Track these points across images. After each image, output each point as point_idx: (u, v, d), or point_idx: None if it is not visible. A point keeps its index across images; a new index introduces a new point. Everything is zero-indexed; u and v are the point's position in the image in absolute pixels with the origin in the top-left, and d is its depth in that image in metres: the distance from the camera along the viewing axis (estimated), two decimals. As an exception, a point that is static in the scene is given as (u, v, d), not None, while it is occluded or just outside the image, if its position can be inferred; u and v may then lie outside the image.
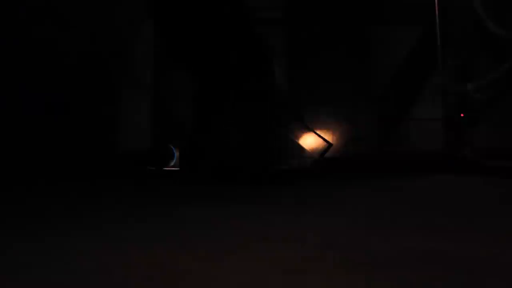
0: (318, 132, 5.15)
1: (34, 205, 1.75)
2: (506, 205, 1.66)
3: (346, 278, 0.78)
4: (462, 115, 3.54)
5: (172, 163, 4.57)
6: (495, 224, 1.27)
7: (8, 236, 1.18)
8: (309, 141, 5.16)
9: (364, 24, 5.23)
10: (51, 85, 4.70)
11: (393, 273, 0.80)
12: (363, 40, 5.20)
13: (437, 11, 3.79)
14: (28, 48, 4.34)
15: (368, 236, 1.12)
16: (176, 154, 4.59)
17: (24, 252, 0.99)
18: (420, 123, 5.06)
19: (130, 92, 4.94)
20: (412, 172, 2.96)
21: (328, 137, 5.16)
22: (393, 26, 5.20)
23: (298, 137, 5.17)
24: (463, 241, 1.05)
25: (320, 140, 5.15)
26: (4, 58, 4.37)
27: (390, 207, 1.67)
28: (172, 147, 4.58)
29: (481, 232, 1.15)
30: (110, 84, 4.91)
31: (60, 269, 0.85)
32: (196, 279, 0.78)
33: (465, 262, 0.87)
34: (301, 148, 5.15)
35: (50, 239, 1.11)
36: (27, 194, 2.18)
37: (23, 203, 1.82)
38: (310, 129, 5.15)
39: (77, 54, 4.78)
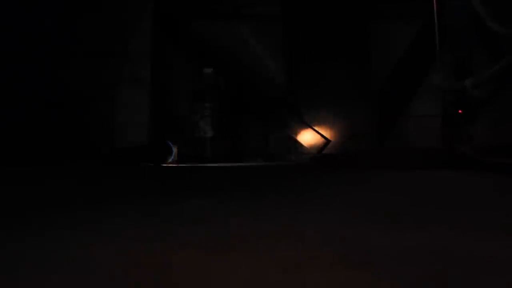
0: (316, 128, 5.15)
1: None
2: (506, 204, 1.66)
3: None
4: (460, 111, 3.54)
5: (170, 159, 4.57)
6: (496, 223, 1.27)
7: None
8: (308, 137, 5.16)
9: (363, 20, 5.22)
10: (56, 84, 4.75)
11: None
12: (363, 36, 5.19)
13: (436, 8, 3.78)
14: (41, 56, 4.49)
15: (370, 231, 1.12)
16: (175, 150, 4.58)
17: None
18: (419, 120, 5.07)
19: (129, 88, 4.95)
20: (412, 168, 2.96)
21: (327, 133, 5.16)
22: (392, 22, 5.19)
23: (297, 134, 5.17)
24: (465, 239, 1.05)
25: (318, 136, 5.15)
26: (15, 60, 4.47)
27: (391, 201, 1.68)
28: (169, 143, 4.57)
29: (482, 231, 1.15)
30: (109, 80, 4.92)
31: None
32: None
33: (465, 259, 0.87)
34: (299, 144, 5.15)
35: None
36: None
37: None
38: (309, 125, 5.15)
39: (82, 54, 4.84)
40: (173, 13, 5.36)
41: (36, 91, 4.70)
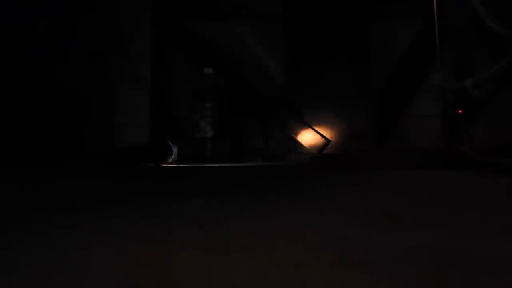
0: (316, 128, 5.15)
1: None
2: (506, 204, 1.66)
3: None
4: (460, 111, 3.54)
5: (170, 159, 4.56)
6: (496, 223, 1.27)
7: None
8: (308, 137, 5.16)
9: (363, 20, 5.22)
10: (56, 84, 4.76)
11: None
12: (363, 36, 5.19)
13: (436, 8, 3.78)
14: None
15: (370, 231, 1.12)
16: (175, 150, 4.57)
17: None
18: (419, 120, 5.07)
19: (129, 88, 4.95)
20: (412, 168, 2.96)
21: (327, 133, 5.15)
22: (392, 22, 5.19)
23: (297, 134, 5.17)
24: (465, 239, 1.05)
25: (318, 136, 5.15)
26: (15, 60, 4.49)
27: (390, 201, 1.67)
28: (170, 143, 4.57)
29: (482, 231, 1.15)
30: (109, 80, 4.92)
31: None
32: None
33: (465, 259, 0.87)
34: (299, 144, 5.15)
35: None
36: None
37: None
38: (309, 125, 5.15)
39: (82, 54, 4.84)
40: (173, 13, 5.36)
41: (36, 91, 4.70)
